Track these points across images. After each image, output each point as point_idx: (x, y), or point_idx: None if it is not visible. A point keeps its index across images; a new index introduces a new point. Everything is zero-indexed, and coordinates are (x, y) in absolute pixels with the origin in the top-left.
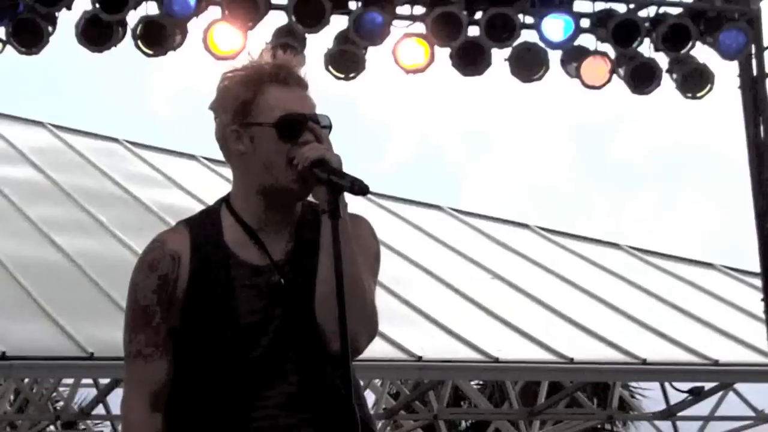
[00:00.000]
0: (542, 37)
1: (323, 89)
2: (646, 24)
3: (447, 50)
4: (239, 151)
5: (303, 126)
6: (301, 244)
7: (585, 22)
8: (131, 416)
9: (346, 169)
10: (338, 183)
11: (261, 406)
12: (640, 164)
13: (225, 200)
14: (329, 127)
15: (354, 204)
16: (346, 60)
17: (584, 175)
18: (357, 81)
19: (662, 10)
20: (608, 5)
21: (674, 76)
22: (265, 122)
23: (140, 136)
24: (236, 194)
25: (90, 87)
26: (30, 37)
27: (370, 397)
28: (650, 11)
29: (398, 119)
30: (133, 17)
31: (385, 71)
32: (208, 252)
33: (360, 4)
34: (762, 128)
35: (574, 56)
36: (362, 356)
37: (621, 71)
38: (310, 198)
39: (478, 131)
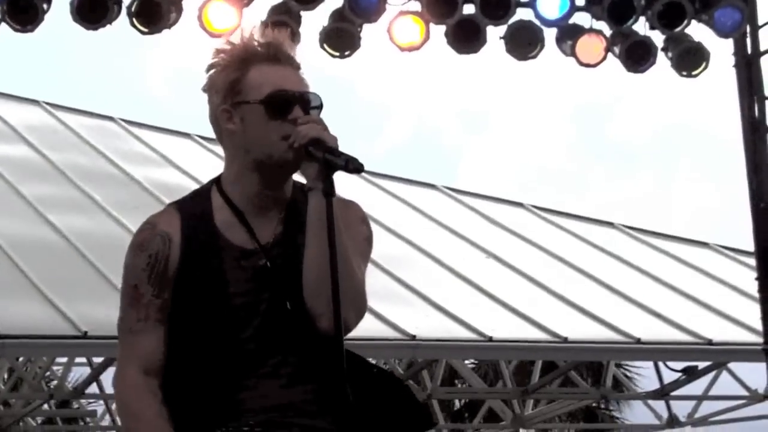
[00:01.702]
0: (537, 15)
1: (321, 69)
2: (641, 2)
3: (442, 28)
4: (230, 130)
5: (292, 103)
6: (290, 226)
7: (580, 0)
8: (124, 383)
9: (343, 148)
10: (333, 161)
11: (251, 386)
12: (638, 143)
13: (216, 181)
14: (320, 107)
15: (348, 183)
16: (340, 38)
17: (582, 154)
18: (355, 61)
19: None
20: None
21: (669, 54)
22: (254, 100)
23: (137, 115)
24: (228, 175)
25: (87, 65)
26: (25, 14)
27: None
28: None
29: (396, 99)
30: None
31: (383, 51)
32: (198, 234)
33: None
34: (756, 107)
35: (569, 34)
36: (355, 335)
37: (616, 49)
38: (303, 179)
39: (477, 111)
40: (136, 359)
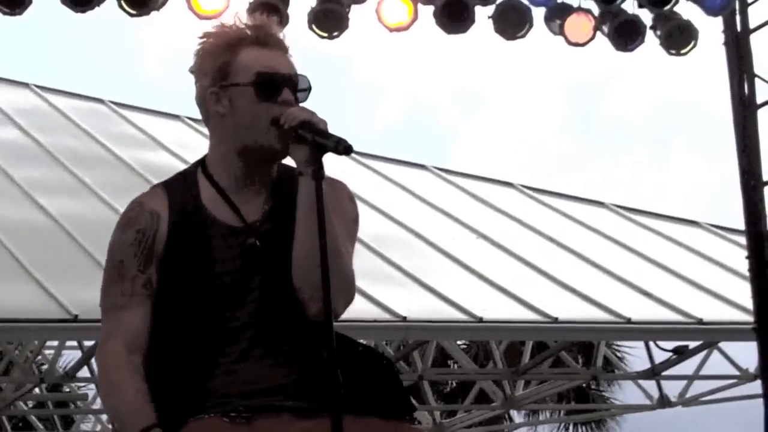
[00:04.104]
0: None
1: (315, 49)
2: None
3: (431, 8)
4: (218, 112)
5: (281, 84)
6: (278, 204)
7: None
8: (107, 358)
9: (336, 129)
10: (322, 143)
11: (239, 370)
12: (633, 121)
13: (200, 162)
14: (308, 90)
15: (339, 164)
16: (329, 19)
17: (577, 133)
18: (350, 41)
19: None
20: None
21: (658, 32)
22: (243, 82)
23: (132, 97)
24: (213, 157)
25: (81, 47)
26: None
27: None
28: None
29: (391, 79)
30: None
31: (377, 31)
32: (186, 212)
33: None
34: (746, 84)
35: (557, 13)
36: (346, 316)
37: (605, 28)
38: (289, 161)
39: (471, 91)
40: (121, 334)
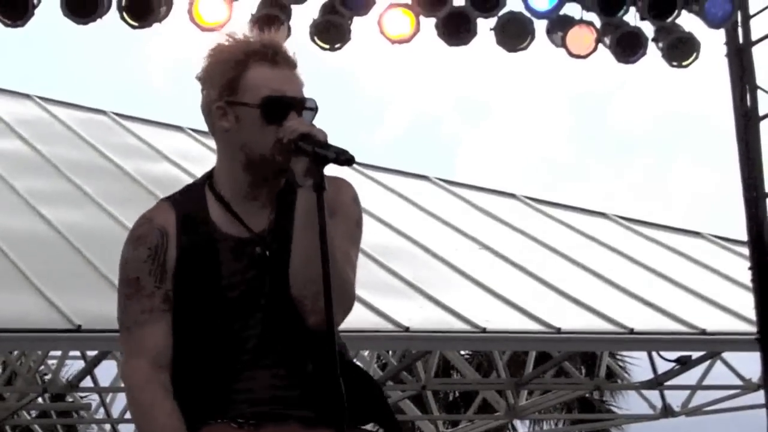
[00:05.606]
0: (528, 7)
1: (320, 61)
2: None
3: (432, 20)
4: (224, 127)
5: (288, 108)
6: (284, 214)
7: None
8: (133, 378)
9: (339, 140)
10: (323, 154)
11: (248, 378)
12: (637, 132)
13: (208, 176)
14: (315, 110)
15: (341, 175)
16: (331, 31)
17: (581, 143)
18: (354, 52)
19: None
20: None
21: (660, 44)
22: (251, 103)
23: (136, 107)
24: (220, 169)
25: (84, 58)
26: (14, 9)
27: None
28: None
29: (394, 90)
30: None
31: (380, 42)
32: (194, 226)
33: None
34: (748, 96)
35: (559, 25)
36: (349, 326)
37: (607, 40)
38: None
39: (475, 101)
40: (145, 352)
